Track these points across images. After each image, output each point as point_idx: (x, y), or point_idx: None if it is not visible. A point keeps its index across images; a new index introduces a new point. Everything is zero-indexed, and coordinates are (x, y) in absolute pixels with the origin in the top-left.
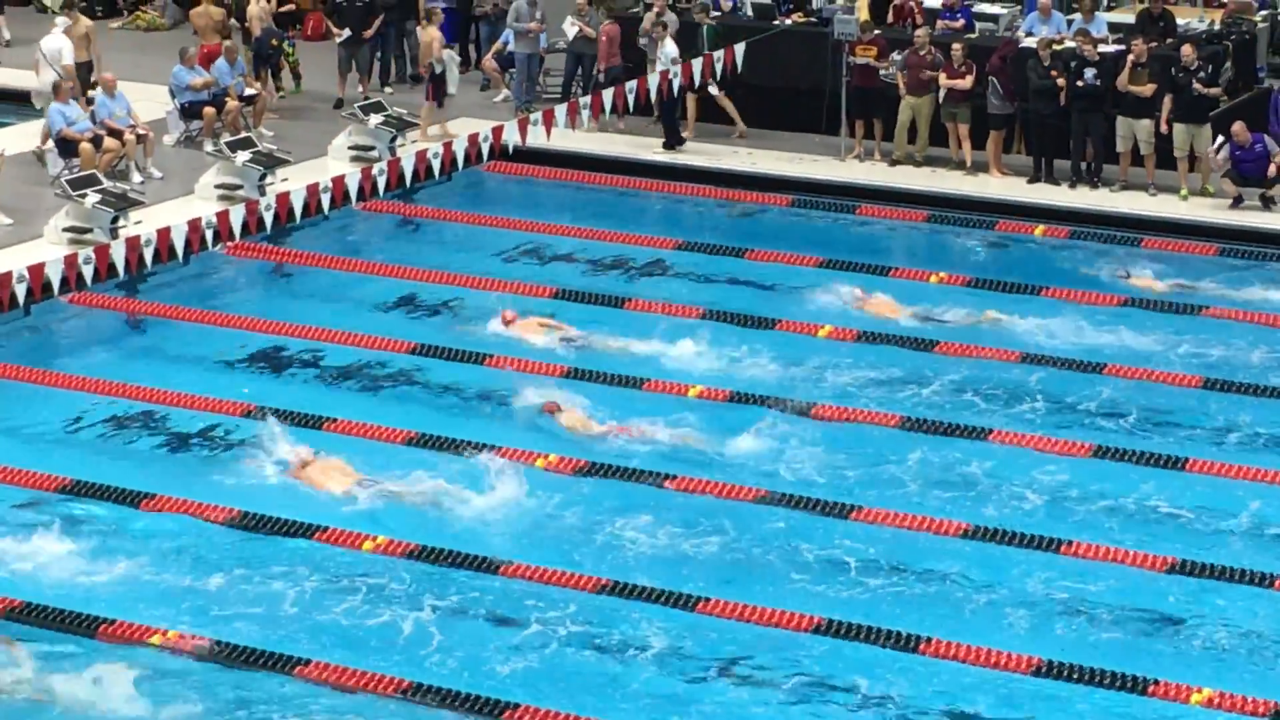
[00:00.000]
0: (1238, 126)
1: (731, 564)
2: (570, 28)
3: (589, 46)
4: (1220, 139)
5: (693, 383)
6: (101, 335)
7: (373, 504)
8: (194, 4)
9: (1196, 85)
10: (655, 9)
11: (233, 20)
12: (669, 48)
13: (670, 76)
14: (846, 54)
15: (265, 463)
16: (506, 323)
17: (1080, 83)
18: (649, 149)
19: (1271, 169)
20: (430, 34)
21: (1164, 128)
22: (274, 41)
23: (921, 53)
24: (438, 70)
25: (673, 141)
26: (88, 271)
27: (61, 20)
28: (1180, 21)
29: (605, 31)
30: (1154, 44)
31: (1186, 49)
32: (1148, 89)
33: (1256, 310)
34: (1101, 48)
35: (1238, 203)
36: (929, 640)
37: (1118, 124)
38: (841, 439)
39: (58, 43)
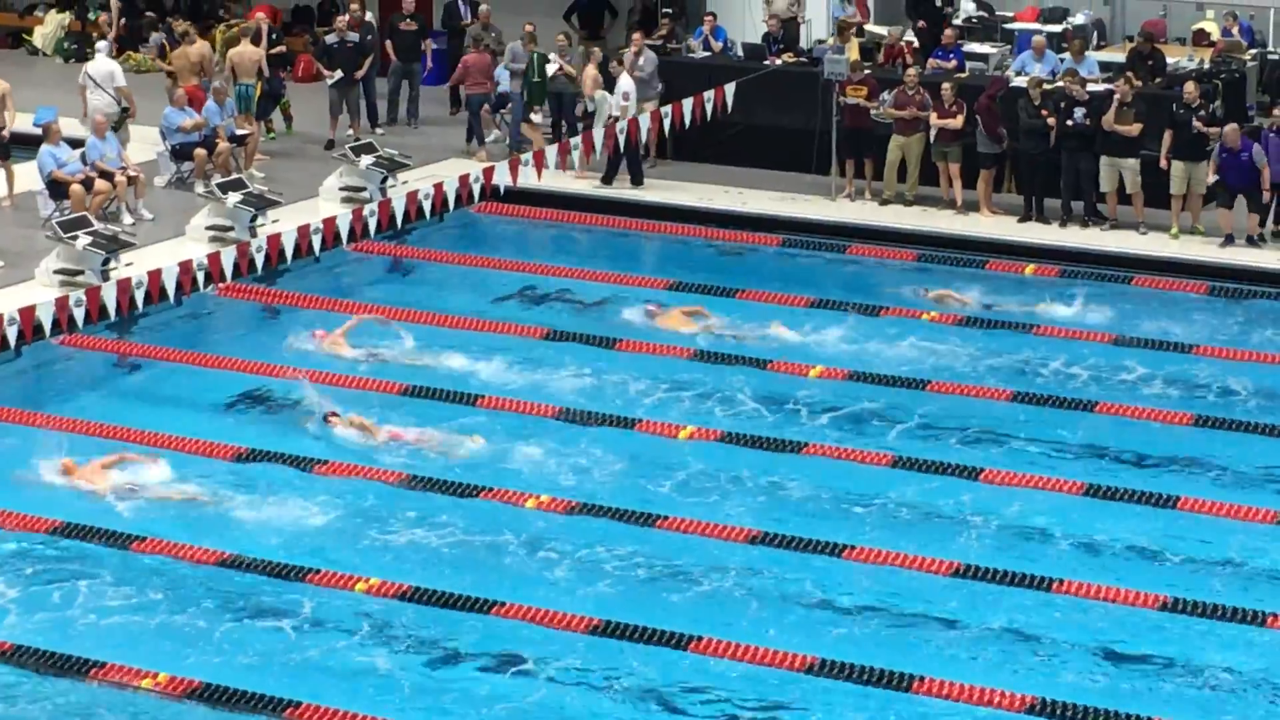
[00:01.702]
0: (1230, 129)
1: (720, 602)
2: (550, 66)
3: (569, 85)
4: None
5: (685, 423)
6: (93, 377)
7: (370, 548)
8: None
9: (1197, 123)
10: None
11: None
12: (623, 83)
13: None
14: (837, 94)
15: (259, 504)
16: (318, 339)
17: (1070, 122)
18: (644, 190)
19: (1265, 195)
20: (589, 72)
21: (1163, 163)
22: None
23: (911, 92)
24: (590, 109)
25: (627, 177)
26: (79, 313)
27: (103, 44)
28: (1170, 60)
29: (467, 60)
30: (1140, 84)
31: (1189, 86)
32: (1134, 128)
33: (1246, 348)
34: (1091, 87)
35: (1228, 241)
36: (921, 679)
37: (1102, 163)
38: (830, 477)
39: (108, 66)
